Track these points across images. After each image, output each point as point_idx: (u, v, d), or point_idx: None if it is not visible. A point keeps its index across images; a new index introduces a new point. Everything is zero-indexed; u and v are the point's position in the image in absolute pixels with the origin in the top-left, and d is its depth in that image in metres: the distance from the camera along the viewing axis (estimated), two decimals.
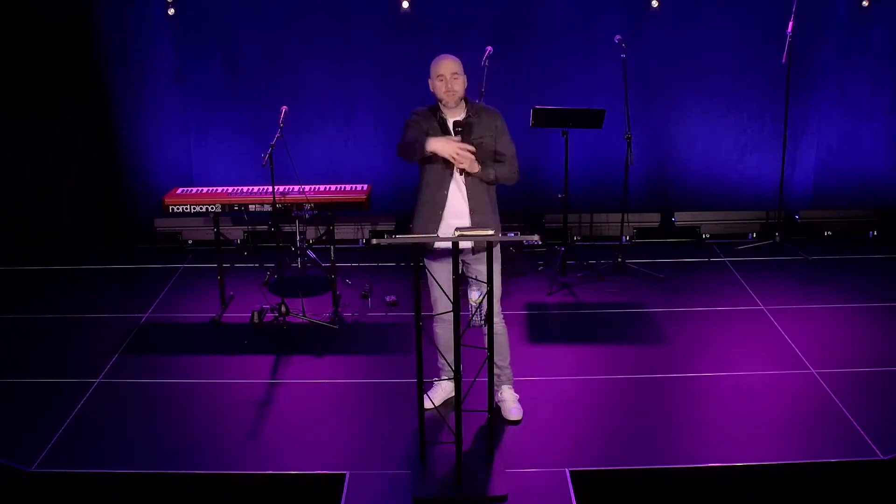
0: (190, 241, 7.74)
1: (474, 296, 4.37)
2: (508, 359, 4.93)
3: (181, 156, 7.83)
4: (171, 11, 7.44)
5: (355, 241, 7.71)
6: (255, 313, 6.01)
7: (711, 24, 7.55)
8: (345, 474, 4.39)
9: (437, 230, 4.58)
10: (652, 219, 7.82)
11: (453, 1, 7.48)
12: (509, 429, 4.81)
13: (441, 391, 5.01)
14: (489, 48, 6.51)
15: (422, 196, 4.65)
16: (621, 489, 4.39)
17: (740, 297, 6.50)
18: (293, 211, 6.22)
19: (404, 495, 4.24)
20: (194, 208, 6.32)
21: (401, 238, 4.21)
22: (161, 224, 7.72)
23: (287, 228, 6.46)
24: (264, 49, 7.61)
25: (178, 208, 6.32)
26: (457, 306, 4.18)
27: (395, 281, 6.86)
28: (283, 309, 5.94)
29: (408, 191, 4.71)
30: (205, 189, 6.56)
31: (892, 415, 4.87)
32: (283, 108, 5.83)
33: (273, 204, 5.99)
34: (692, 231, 7.80)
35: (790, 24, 7.01)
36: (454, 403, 4.31)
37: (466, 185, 4.56)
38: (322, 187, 6.46)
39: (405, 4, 7.41)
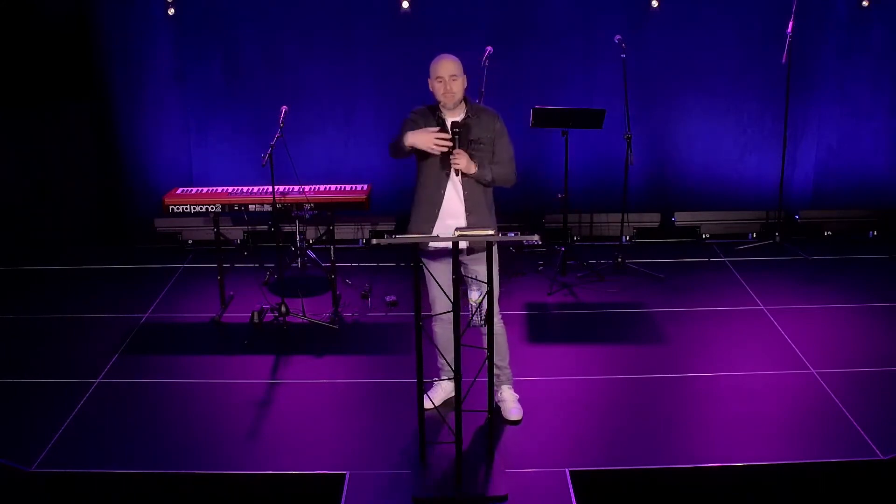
0: (190, 241, 7.74)
1: (474, 296, 4.37)
2: (508, 359, 4.93)
3: (181, 156, 7.83)
4: (171, 11, 7.45)
5: (355, 241, 7.71)
6: (255, 313, 6.01)
7: (711, 24, 7.55)
8: (345, 474, 4.39)
9: (433, 230, 4.58)
10: (652, 219, 7.82)
11: (453, 1, 7.48)
12: (509, 429, 4.81)
13: (441, 391, 5.01)
14: (489, 48, 6.51)
15: (419, 196, 4.65)
16: (621, 489, 4.39)
17: (740, 297, 6.50)
18: (293, 211, 6.22)
19: (404, 495, 4.24)
20: (194, 208, 6.32)
21: (401, 238, 4.21)
22: (161, 224, 7.72)
23: (287, 228, 6.46)
24: (264, 49, 7.61)
25: (178, 208, 6.32)
26: (457, 306, 4.18)
27: (395, 281, 6.86)
28: (283, 309, 5.94)
29: (408, 191, 4.72)
30: (205, 189, 6.56)
31: (892, 415, 4.87)
32: (283, 108, 5.83)
33: (273, 204, 5.99)
34: (692, 231, 7.80)
35: (790, 24, 7.02)
36: (454, 403, 4.31)
37: (463, 185, 4.55)
38: (322, 187, 6.46)
39: (405, 4, 7.41)
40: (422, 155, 4.54)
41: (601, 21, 7.46)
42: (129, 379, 5.44)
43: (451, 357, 4.47)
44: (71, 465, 4.53)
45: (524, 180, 7.34)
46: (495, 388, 4.76)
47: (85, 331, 6.13)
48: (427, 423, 4.46)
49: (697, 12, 7.53)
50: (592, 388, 5.25)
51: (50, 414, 5.01)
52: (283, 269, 6.07)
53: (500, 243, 4.84)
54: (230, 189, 6.48)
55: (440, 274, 4.56)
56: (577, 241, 7.70)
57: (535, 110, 6.53)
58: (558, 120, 6.55)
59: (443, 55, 4.53)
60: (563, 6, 7.51)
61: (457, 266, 4.17)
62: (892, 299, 6.38)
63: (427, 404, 4.70)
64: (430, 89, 4.57)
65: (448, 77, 4.46)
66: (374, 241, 4.17)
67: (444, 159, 4.48)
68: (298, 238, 6.27)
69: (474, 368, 4.48)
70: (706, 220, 7.76)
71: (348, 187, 6.50)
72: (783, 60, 7.09)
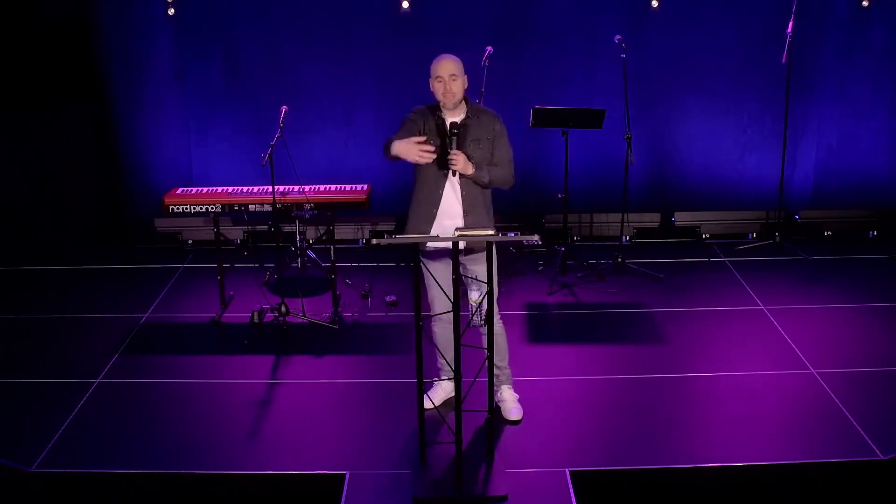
0: (190, 241, 7.74)
1: (474, 296, 4.37)
2: (507, 359, 4.93)
3: (181, 156, 7.83)
4: (171, 11, 7.44)
5: (355, 241, 7.71)
6: (255, 313, 6.01)
7: (711, 24, 7.55)
8: (345, 474, 4.39)
9: (430, 230, 4.58)
10: (652, 219, 7.82)
11: (453, 1, 7.48)
12: (509, 429, 4.81)
13: (441, 391, 5.01)
14: (489, 48, 6.51)
15: (417, 196, 4.65)
16: (621, 489, 4.39)
17: (740, 297, 6.50)
18: (293, 211, 6.22)
19: (404, 495, 4.24)
20: (194, 208, 6.32)
21: (400, 238, 4.21)
22: (161, 224, 7.72)
23: (287, 228, 6.46)
24: (264, 49, 7.61)
25: (178, 208, 6.32)
26: (457, 306, 4.18)
27: (395, 281, 6.86)
28: (283, 309, 5.94)
29: (408, 191, 4.72)
30: (205, 189, 6.56)
31: (892, 415, 4.87)
32: (283, 108, 5.83)
33: (273, 204, 5.99)
34: (692, 231, 7.80)
35: (790, 24, 7.02)
36: (454, 403, 4.31)
37: (461, 186, 4.55)
38: (322, 187, 6.46)
39: (405, 4, 7.41)
40: None
41: (601, 21, 7.46)
42: (129, 379, 5.44)
43: (450, 357, 4.48)
44: (71, 465, 4.53)
45: (524, 180, 7.37)
46: (495, 388, 4.76)
47: (85, 331, 6.13)
48: (427, 423, 4.46)
49: (697, 12, 7.53)
50: (592, 388, 5.25)
51: (50, 414, 5.01)
52: (283, 269, 6.07)
53: (499, 243, 4.83)
54: (230, 189, 6.48)
55: (439, 274, 4.56)
56: (577, 241, 7.70)
57: (535, 110, 6.53)
58: (558, 120, 6.55)
59: (443, 55, 4.52)
60: (563, 6, 7.51)
61: (456, 266, 4.18)
62: (892, 299, 6.38)
63: (427, 404, 4.70)
64: (431, 89, 4.56)
65: (448, 77, 4.46)
66: (374, 241, 4.17)
67: (442, 160, 4.48)
68: (298, 238, 6.27)
69: (474, 368, 4.48)
70: (706, 220, 7.76)
71: (348, 187, 6.50)
72: (783, 60, 7.09)
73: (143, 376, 5.46)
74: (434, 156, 4.41)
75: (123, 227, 7.93)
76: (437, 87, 4.50)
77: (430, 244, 4.59)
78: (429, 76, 4.54)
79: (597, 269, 6.99)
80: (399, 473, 4.41)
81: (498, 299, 4.78)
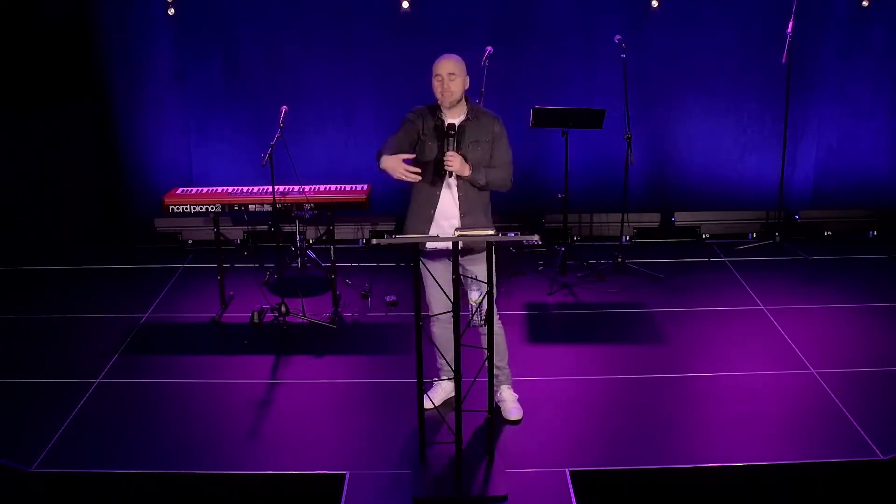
0: (190, 241, 7.74)
1: (474, 296, 4.37)
2: (506, 359, 4.93)
3: (181, 156, 7.83)
4: (171, 11, 7.44)
5: (355, 241, 7.71)
6: (255, 313, 6.01)
7: (711, 24, 7.55)
8: (345, 474, 4.39)
9: (428, 231, 4.58)
10: (652, 219, 7.82)
11: (453, 1, 7.48)
12: (509, 429, 4.81)
13: (441, 391, 5.01)
14: (489, 48, 6.51)
15: (415, 196, 4.65)
16: (621, 489, 4.39)
17: (740, 297, 6.50)
18: (293, 211, 6.22)
19: (404, 495, 4.24)
20: (194, 208, 6.32)
21: (400, 238, 4.21)
22: (161, 224, 7.72)
23: (287, 228, 6.46)
24: (264, 49, 7.61)
25: (178, 208, 6.32)
26: (456, 306, 4.18)
27: (395, 281, 6.86)
28: (283, 309, 5.94)
29: (407, 191, 4.72)
30: (205, 189, 6.56)
31: (892, 415, 4.87)
32: (283, 108, 5.82)
33: (273, 204, 5.99)
34: (692, 231, 7.80)
35: (790, 24, 7.02)
36: (454, 403, 4.31)
37: (458, 187, 4.55)
38: (322, 187, 6.46)
39: (405, 4, 7.41)
40: (418, 156, 4.53)
41: (601, 21, 7.46)
42: (129, 379, 5.44)
43: (450, 357, 4.48)
44: (71, 465, 4.53)
45: (524, 180, 7.39)
46: (494, 388, 4.76)
47: (85, 331, 6.13)
48: (427, 423, 4.46)
49: (697, 12, 7.53)
50: (592, 388, 5.25)
51: (50, 414, 5.01)
52: (283, 269, 6.07)
53: (499, 243, 4.83)
54: (230, 189, 6.48)
55: (438, 274, 4.55)
56: (577, 241, 7.70)
57: (535, 110, 6.53)
58: (558, 120, 6.55)
59: (445, 54, 4.52)
60: (563, 6, 7.51)
61: (456, 266, 4.17)
62: (892, 299, 6.38)
63: (427, 404, 4.70)
64: (433, 88, 4.56)
65: (446, 75, 4.45)
66: (374, 241, 4.17)
67: (440, 161, 4.48)
68: (298, 238, 6.27)
69: (474, 368, 4.48)
70: (706, 220, 7.76)
71: (348, 187, 6.51)
72: (783, 60, 7.09)
73: (143, 376, 5.46)
74: (419, 177, 4.40)
75: (123, 227, 7.93)
76: (436, 86, 4.50)
77: (430, 244, 4.59)
78: (429, 76, 4.54)
79: (597, 269, 6.99)
80: (399, 473, 4.41)
81: (497, 299, 4.78)
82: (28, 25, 7.39)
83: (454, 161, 4.42)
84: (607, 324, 6.14)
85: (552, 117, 6.55)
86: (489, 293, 4.30)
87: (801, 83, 7.55)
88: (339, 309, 6.27)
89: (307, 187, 6.30)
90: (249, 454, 4.62)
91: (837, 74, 7.65)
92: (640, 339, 5.89)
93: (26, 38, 7.41)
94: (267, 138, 5.78)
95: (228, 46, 7.60)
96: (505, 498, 4.20)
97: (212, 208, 6.31)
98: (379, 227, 7.67)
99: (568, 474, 4.36)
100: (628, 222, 7.56)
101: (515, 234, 4.24)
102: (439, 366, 5.00)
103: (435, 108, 4.60)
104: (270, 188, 6.01)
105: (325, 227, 6.51)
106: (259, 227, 7.56)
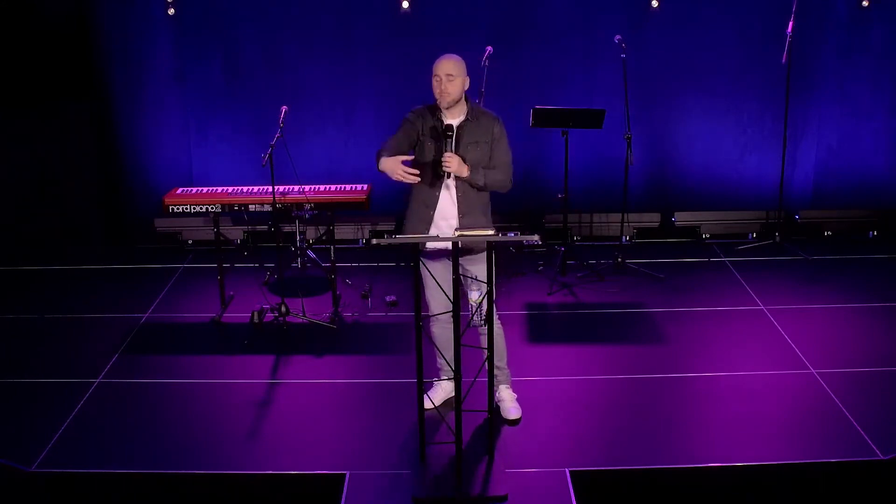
0: (190, 241, 7.74)
1: (474, 296, 4.37)
2: (506, 359, 4.92)
3: (181, 156, 7.83)
4: (171, 11, 7.44)
5: (355, 241, 7.71)
6: (255, 313, 6.01)
7: (711, 24, 7.55)
8: (345, 474, 4.39)
9: (427, 231, 4.58)
10: (652, 219, 7.82)
11: (453, 1, 7.48)
12: (509, 429, 4.81)
13: (441, 391, 5.01)
14: (489, 48, 6.51)
15: (414, 197, 4.65)
16: (621, 489, 4.39)
17: (740, 297, 6.50)
18: (293, 211, 6.22)
19: (404, 495, 4.24)
20: (194, 208, 6.32)
21: (400, 238, 4.21)
22: (161, 224, 7.72)
23: (287, 228, 6.46)
24: (264, 49, 7.61)
25: (178, 208, 6.32)
26: (456, 306, 4.18)
27: (395, 281, 6.86)
28: (283, 309, 5.95)
29: (407, 191, 4.72)
30: (205, 189, 6.56)
31: (892, 415, 4.87)
32: (283, 108, 5.83)
33: (273, 204, 5.99)
34: (692, 231, 7.80)
35: (790, 24, 7.02)
36: (454, 403, 4.31)
37: (457, 187, 4.55)
38: (322, 187, 6.46)
39: (405, 4, 7.41)
40: (418, 156, 4.54)
41: (601, 21, 7.46)
42: (129, 379, 5.44)
43: (450, 357, 4.48)
44: (71, 465, 4.53)
45: (524, 180, 7.39)
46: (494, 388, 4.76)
47: (85, 331, 6.13)
48: (427, 423, 4.47)
49: (697, 12, 7.53)
50: (592, 388, 5.25)
51: (50, 414, 5.01)
52: (283, 269, 6.07)
53: (499, 243, 4.83)
54: (230, 189, 6.48)
55: (438, 274, 4.55)
56: (577, 241, 7.70)
57: (535, 110, 6.53)
58: (558, 120, 6.55)
59: (445, 55, 4.51)
60: (563, 6, 7.51)
61: (456, 266, 4.17)
62: (892, 299, 6.38)
63: (427, 404, 4.70)
64: (432, 89, 4.56)
65: (444, 76, 4.45)
66: (374, 241, 4.17)
67: (439, 162, 4.48)
68: (298, 238, 6.27)
69: (474, 368, 4.48)
70: (706, 220, 7.76)
71: (348, 187, 6.51)
72: (783, 60, 7.09)
73: (143, 376, 5.46)
74: (418, 179, 4.40)
75: (123, 227, 7.93)
76: (435, 86, 4.49)
77: (429, 245, 4.59)
78: (429, 76, 4.53)
79: (597, 269, 6.99)
80: (399, 473, 4.41)
81: (497, 299, 4.78)
82: (28, 25, 7.39)
83: (452, 162, 4.42)
84: (607, 324, 6.14)
85: (552, 117, 6.55)
86: (489, 293, 4.30)
87: (801, 83, 7.55)
88: (339, 309, 6.27)
89: (307, 187, 6.30)
90: (249, 454, 4.62)
91: (837, 74, 7.65)
92: (640, 339, 5.89)
93: (26, 38, 7.41)
94: (267, 138, 5.78)
95: (228, 46, 7.60)
96: (505, 498, 4.20)
97: (212, 208, 6.31)
98: (379, 227, 7.67)
99: (568, 474, 4.36)
100: (628, 222, 7.56)
101: (515, 234, 4.24)
102: (439, 366, 5.00)
103: (435, 109, 4.59)
104: (270, 188, 6.01)
105: (325, 227, 6.51)
106: (259, 227, 7.56)
